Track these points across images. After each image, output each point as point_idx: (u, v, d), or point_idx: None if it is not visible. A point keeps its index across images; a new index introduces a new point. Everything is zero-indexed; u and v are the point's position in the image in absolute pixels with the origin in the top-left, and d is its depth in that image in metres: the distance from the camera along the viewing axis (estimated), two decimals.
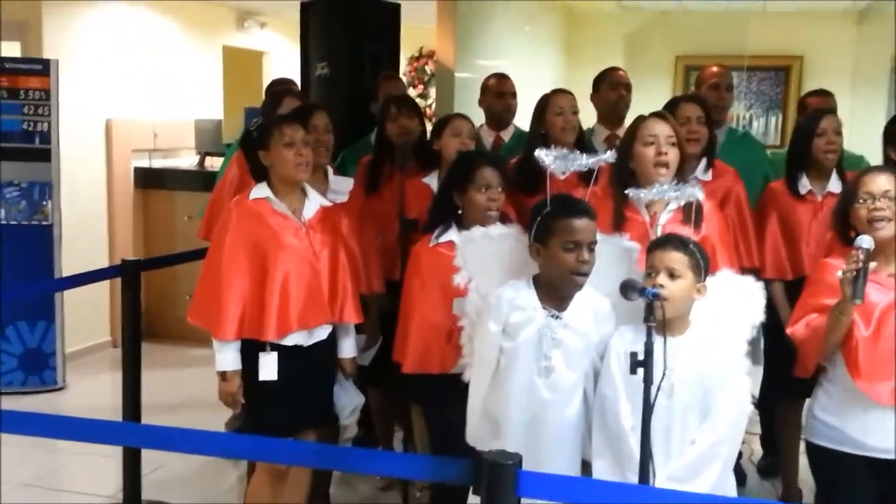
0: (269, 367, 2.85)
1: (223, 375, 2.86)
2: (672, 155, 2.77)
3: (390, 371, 3.01)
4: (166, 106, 6.48)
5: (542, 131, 3.50)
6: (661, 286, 2.28)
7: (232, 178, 3.70)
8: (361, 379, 3.60)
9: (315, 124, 3.23)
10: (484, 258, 2.59)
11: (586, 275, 2.39)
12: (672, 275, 2.32)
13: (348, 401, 3.10)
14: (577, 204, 2.43)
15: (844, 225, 2.59)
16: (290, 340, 2.86)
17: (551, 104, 3.51)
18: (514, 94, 4.29)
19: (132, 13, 6.15)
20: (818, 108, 3.63)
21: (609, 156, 2.58)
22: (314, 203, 2.99)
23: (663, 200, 2.78)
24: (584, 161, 2.47)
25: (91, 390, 5.10)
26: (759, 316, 2.47)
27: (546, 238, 2.41)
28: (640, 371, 2.12)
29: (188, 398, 4.92)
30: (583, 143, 3.51)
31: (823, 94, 4.20)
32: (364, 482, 3.90)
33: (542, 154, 2.48)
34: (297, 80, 4.91)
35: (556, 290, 2.44)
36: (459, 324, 2.64)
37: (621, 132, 3.67)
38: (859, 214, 2.51)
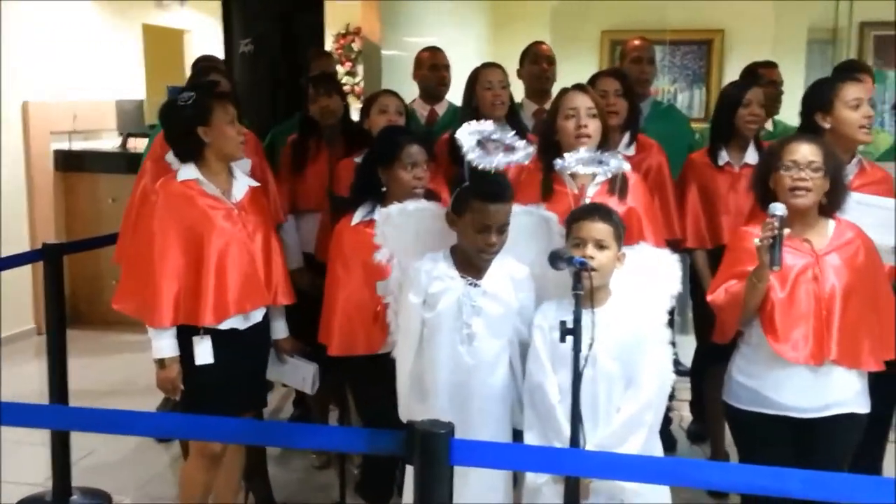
0: (204, 352, 2.80)
1: (161, 363, 2.80)
2: (593, 127, 2.81)
3: (313, 349, 2.99)
4: (86, 87, 6.29)
5: (473, 105, 3.50)
6: (591, 257, 2.33)
7: (155, 160, 3.59)
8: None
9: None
10: (403, 234, 2.58)
11: (493, 254, 2.43)
12: (600, 245, 2.37)
13: (304, 372, 3.07)
14: (493, 185, 2.40)
15: (765, 190, 2.63)
16: (226, 325, 2.82)
17: (481, 78, 3.51)
18: (447, 67, 4.29)
19: None
20: (739, 80, 3.70)
21: (528, 151, 2.48)
22: (242, 184, 2.93)
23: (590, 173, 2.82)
24: (504, 159, 2.38)
25: (15, 380, 4.94)
26: (677, 286, 2.52)
27: (460, 212, 2.43)
28: (569, 340, 2.16)
29: (117, 385, 4.83)
30: (514, 117, 3.52)
31: (771, 65, 4.29)
32: (301, 460, 3.89)
33: (463, 139, 2.40)
34: (221, 58, 4.81)
35: (472, 259, 2.47)
36: (384, 301, 2.64)
37: (549, 106, 3.71)
38: (783, 182, 2.54)
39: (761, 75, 4.06)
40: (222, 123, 2.82)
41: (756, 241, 2.44)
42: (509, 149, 2.42)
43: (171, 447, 4.00)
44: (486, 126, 2.44)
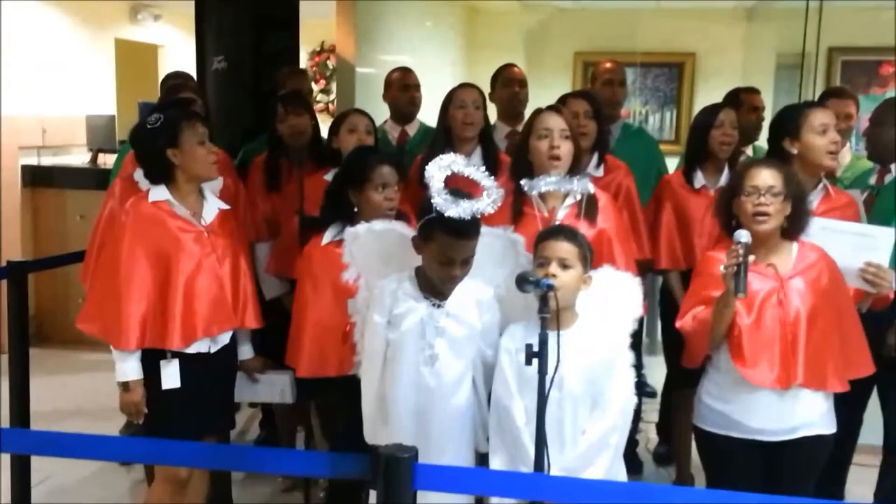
0: (171, 376, 2.77)
1: (125, 386, 2.76)
2: (565, 148, 2.82)
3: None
4: (55, 101, 6.23)
5: (445, 125, 3.50)
6: (554, 276, 2.33)
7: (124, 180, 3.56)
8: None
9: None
10: (370, 253, 2.57)
11: (456, 282, 2.42)
12: (563, 265, 2.37)
13: (280, 384, 3.04)
14: (459, 221, 2.33)
15: (728, 216, 2.65)
16: (193, 348, 2.78)
17: (455, 98, 3.50)
18: (417, 87, 4.27)
19: (18, 3, 5.89)
20: (716, 103, 3.72)
21: (495, 198, 2.40)
22: (213, 206, 2.91)
23: (560, 195, 2.83)
24: (465, 207, 2.32)
25: None
26: (639, 310, 2.52)
27: (426, 241, 2.41)
28: (535, 363, 2.15)
29: (83, 404, 4.75)
30: (487, 138, 3.52)
31: (755, 92, 4.33)
32: (267, 484, 3.84)
33: (431, 170, 2.37)
34: (193, 74, 4.79)
35: (437, 281, 2.46)
36: (351, 321, 2.62)
37: (521, 128, 3.71)
38: (744, 207, 2.57)
39: (743, 100, 4.10)
40: (192, 145, 2.79)
41: (721, 268, 2.45)
42: (477, 189, 2.41)
43: (133, 470, 3.94)
44: (457, 161, 2.42)
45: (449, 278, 2.41)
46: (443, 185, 2.35)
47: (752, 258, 2.42)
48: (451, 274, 2.40)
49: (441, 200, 2.32)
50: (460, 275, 2.41)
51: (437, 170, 2.37)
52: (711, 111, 3.49)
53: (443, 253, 2.37)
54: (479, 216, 2.37)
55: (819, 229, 2.69)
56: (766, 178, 2.55)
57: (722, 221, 2.70)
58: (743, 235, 2.45)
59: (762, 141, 4.32)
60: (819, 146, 2.91)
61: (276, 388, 3.06)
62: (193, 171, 2.81)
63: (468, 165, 2.44)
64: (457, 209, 2.31)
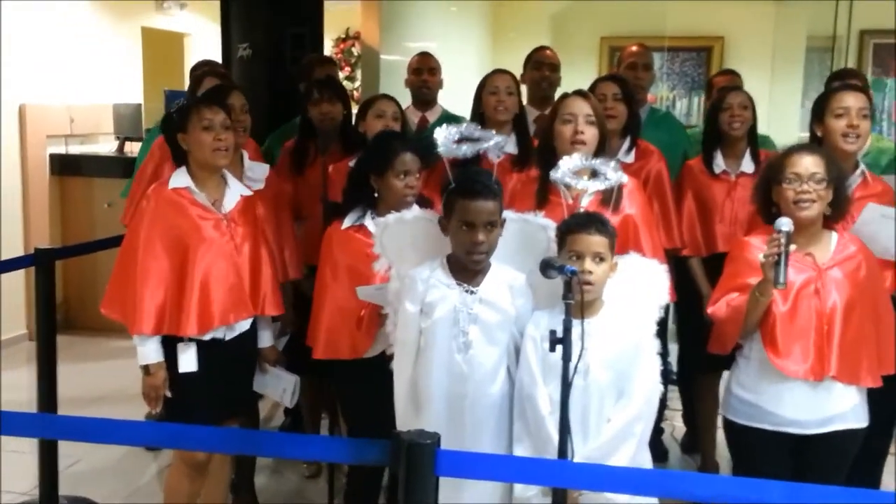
0: (188, 360, 2.78)
1: (146, 369, 2.78)
2: (590, 134, 2.78)
3: (306, 356, 2.96)
4: (83, 90, 6.27)
5: (479, 111, 3.47)
6: (591, 272, 2.31)
7: (155, 164, 3.59)
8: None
9: (231, 104, 3.14)
10: (400, 243, 2.56)
11: (482, 254, 2.40)
12: (599, 258, 2.35)
13: (285, 384, 3.06)
14: (476, 184, 2.40)
15: (767, 203, 2.60)
16: (210, 334, 2.79)
17: (488, 84, 3.48)
18: (433, 71, 4.22)
19: None
20: (724, 86, 3.72)
21: (501, 139, 2.58)
22: (235, 193, 2.91)
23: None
24: (467, 148, 2.47)
25: (5, 386, 4.92)
26: (665, 297, 2.50)
27: (449, 215, 2.42)
28: (559, 349, 2.13)
29: (108, 391, 4.79)
30: (521, 124, 3.49)
31: (729, 73, 4.30)
32: (291, 471, 3.86)
33: (439, 135, 2.48)
34: (219, 62, 4.80)
35: (468, 266, 2.44)
36: (383, 311, 2.61)
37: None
38: (785, 195, 2.51)
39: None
40: (196, 130, 2.79)
41: (761, 256, 2.40)
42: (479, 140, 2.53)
43: (159, 455, 3.98)
44: (463, 126, 2.51)
45: (473, 245, 2.37)
46: (451, 138, 2.46)
47: (793, 247, 2.37)
48: (475, 239, 2.36)
49: (445, 149, 2.43)
50: (485, 242, 2.38)
51: (444, 132, 2.49)
52: (720, 95, 3.54)
53: (464, 219, 2.37)
54: (494, 180, 2.42)
55: (878, 216, 2.64)
56: (809, 164, 2.50)
57: (760, 209, 2.65)
58: (784, 224, 2.38)
59: (778, 125, 4.26)
60: (835, 128, 2.86)
61: (280, 385, 3.06)
62: (197, 156, 2.82)
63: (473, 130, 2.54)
64: (460, 150, 2.42)
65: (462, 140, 2.47)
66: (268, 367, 3.04)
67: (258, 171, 3.30)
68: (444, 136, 2.45)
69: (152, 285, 2.74)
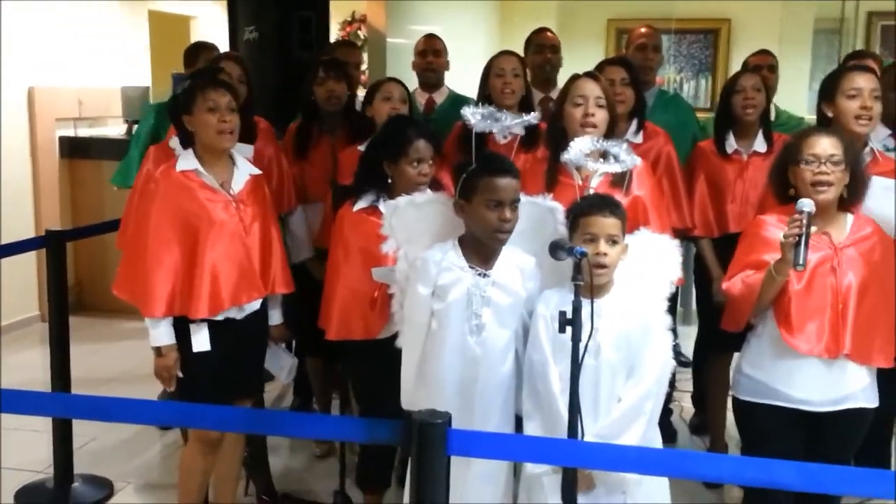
0: (201, 339, 2.80)
1: (158, 350, 2.81)
2: (600, 116, 2.79)
3: (318, 337, 2.99)
4: (91, 73, 6.28)
5: (486, 93, 3.48)
6: (605, 254, 2.33)
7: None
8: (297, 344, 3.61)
9: (228, 73, 3.14)
10: (411, 225, 2.58)
11: (508, 232, 2.42)
12: (613, 241, 2.36)
13: (284, 362, 3.10)
14: (500, 162, 2.46)
15: (783, 183, 2.59)
16: (221, 315, 2.81)
17: (494, 66, 3.48)
18: (437, 53, 4.24)
19: None
20: (738, 71, 3.70)
21: (533, 117, 2.64)
22: (243, 173, 2.91)
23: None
24: (506, 122, 2.52)
25: (19, 367, 4.97)
26: (677, 272, 2.51)
27: (470, 195, 2.43)
28: (569, 330, 2.15)
29: (120, 372, 4.83)
30: (527, 106, 3.48)
31: (764, 53, 4.27)
32: (301, 451, 3.89)
33: (467, 112, 2.53)
34: (226, 44, 4.80)
35: (481, 249, 2.46)
36: (389, 292, 2.63)
37: (555, 94, 3.69)
38: (803, 176, 2.50)
39: (753, 64, 4.02)
40: (200, 112, 2.79)
41: (781, 236, 2.40)
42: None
43: (172, 434, 4.01)
44: (492, 109, 2.59)
45: (502, 223, 2.39)
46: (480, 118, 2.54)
47: (814, 228, 2.38)
48: (504, 217, 2.39)
49: (481, 124, 2.53)
50: (512, 220, 2.41)
51: (472, 110, 2.59)
52: (733, 77, 3.52)
53: (492, 197, 2.39)
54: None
55: (880, 189, 2.64)
56: (826, 146, 2.50)
57: (775, 189, 2.64)
58: (806, 205, 2.38)
59: (787, 106, 4.25)
60: (848, 109, 2.84)
61: (278, 363, 3.11)
62: (202, 138, 2.82)
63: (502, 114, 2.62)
64: (487, 124, 2.50)
65: (488, 118, 2.55)
66: (272, 345, 3.07)
67: (243, 151, 3.29)
68: (471, 112, 2.53)
69: (163, 269, 2.75)
